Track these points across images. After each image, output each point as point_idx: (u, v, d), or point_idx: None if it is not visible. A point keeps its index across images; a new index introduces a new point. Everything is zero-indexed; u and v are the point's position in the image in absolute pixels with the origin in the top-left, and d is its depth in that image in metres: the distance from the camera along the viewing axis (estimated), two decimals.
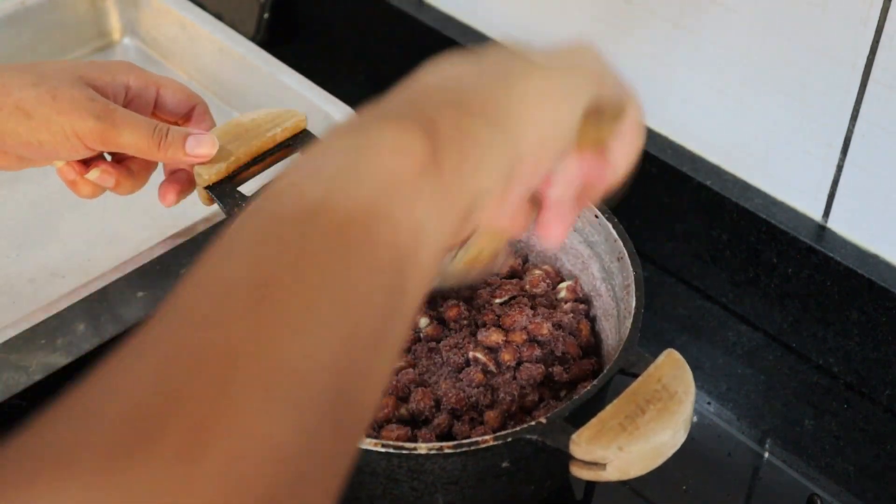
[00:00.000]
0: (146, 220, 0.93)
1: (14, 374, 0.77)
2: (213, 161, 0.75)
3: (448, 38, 1.02)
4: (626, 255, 0.71)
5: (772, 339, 0.90)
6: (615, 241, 0.72)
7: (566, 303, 0.76)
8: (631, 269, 0.70)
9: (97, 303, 0.78)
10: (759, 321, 0.90)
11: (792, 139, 0.84)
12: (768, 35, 0.81)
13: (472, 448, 0.61)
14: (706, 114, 0.89)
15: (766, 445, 0.83)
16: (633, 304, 0.68)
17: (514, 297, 0.75)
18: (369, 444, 0.61)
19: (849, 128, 0.80)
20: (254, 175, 0.78)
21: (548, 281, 0.77)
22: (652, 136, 0.92)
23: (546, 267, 0.79)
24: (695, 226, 0.91)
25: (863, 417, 0.84)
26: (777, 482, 0.80)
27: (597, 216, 0.74)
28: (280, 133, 0.78)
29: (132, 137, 0.71)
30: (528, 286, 0.76)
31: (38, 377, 0.78)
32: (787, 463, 0.81)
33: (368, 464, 0.63)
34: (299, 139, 0.79)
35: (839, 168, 0.82)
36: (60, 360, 0.79)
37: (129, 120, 0.71)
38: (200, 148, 0.73)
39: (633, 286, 0.69)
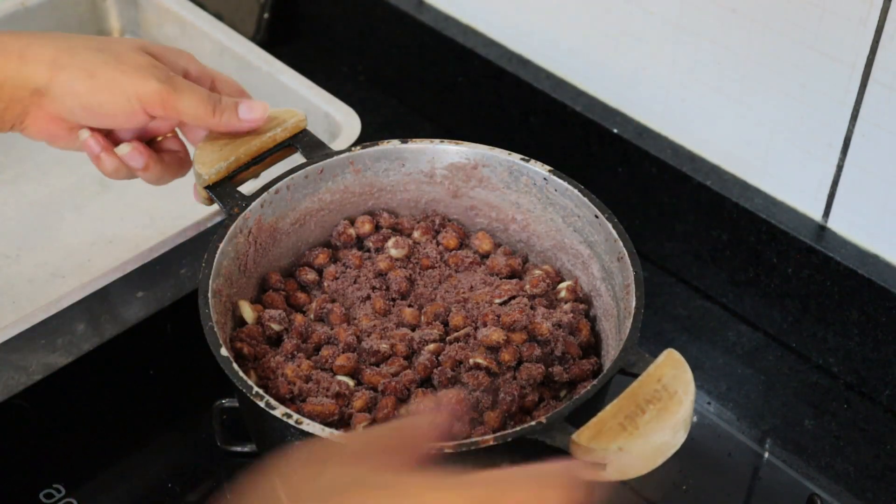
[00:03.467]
0: (146, 220, 0.93)
1: (14, 374, 0.77)
2: (211, 162, 0.75)
3: (448, 37, 1.02)
4: (626, 254, 0.71)
5: (772, 339, 0.90)
6: (615, 241, 0.72)
7: (566, 303, 0.76)
8: (631, 268, 0.70)
9: (97, 303, 0.78)
10: (759, 321, 0.90)
11: (792, 139, 0.84)
12: (768, 35, 0.81)
13: (473, 448, 0.60)
14: (706, 114, 0.89)
15: (766, 445, 0.83)
16: (633, 303, 0.68)
17: (513, 297, 0.75)
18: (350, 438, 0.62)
19: (849, 128, 0.80)
20: (254, 175, 0.78)
21: (547, 281, 0.77)
22: (652, 135, 0.93)
23: (546, 267, 0.79)
24: (695, 226, 0.91)
25: (863, 417, 0.84)
26: (777, 482, 0.80)
27: (597, 216, 0.74)
28: (280, 133, 0.78)
29: (190, 101, 0.73)
30: (528, 286, 0.76)
31: (38, 377, 0.79)
32: (787, 463, 0.81)
33: None
34: (299, 139, 0.79)
35: (839, 168, 0.82)
36: (60, 360, 0.79)
37: (187, 86, 0.73)
38: (252, 113, 0.75)
39: (633, 286, 0.69)
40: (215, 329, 0.66)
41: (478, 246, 0.80)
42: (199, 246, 0.81)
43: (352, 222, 0.80)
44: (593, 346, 0.75)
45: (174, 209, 0.91)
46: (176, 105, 0.72)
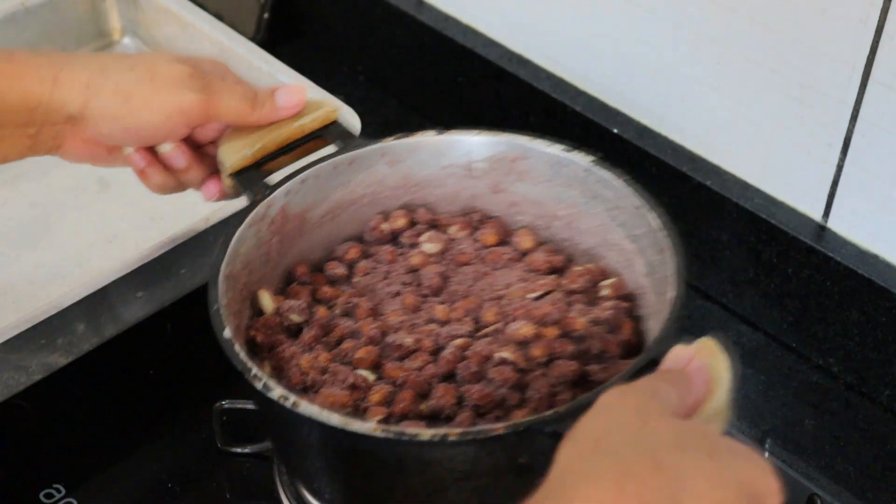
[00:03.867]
0: (146, 220, 0.93)
1: (14, 374, 0.77)
2: (236, 149, 0.73)
3: (448, 37, 1.02)
4: (670, 247, 0.67)
5: (772, 339, 0.90)
6: (658, 231, 0.68)
7: (608, 300, 0.71)
8: (673, 259, 0.66)
9: (97, 303, 0.78)
10: (759, 321, 0.90)
11: (792, 139, 0.84)
12: (768, 35, 0.81)
13: (480, 437, 0.57)
14: (706, 114, 0.89)
15: (766, 445, 0.83)
16: (672, 293, 0.64)
17: (549, 293, 0.72)
18: (369, 429, 0.58)
19: (849, 128, 0.80)
20: (282, 165, 0.75)
21: (587, 277, 0.73)
22: (652, 135, 0.93)
23: (589, 265, 0.74)
24: (695, 226, 0.91)
25: (863, 417, 0.84)
26: None
27: (637, 207, 0.70)
28: (309, 123, 0.75)
29: (230, 102, 0.72)
30: (565, 281, 0.72)
31: (38, 377, 0.79)
32: (787, 463, 0.81)
33: (375, 451, 0.61)
34: (330, 130, 0.76)
35: (839, 168, 0.82)
36: (60, 360, 0.79)
37: (224, 87, 0.73)
38: (291, 98, 0.75)
39: (672, 276, 0.65)
40: (221, 312, 0.64)
41: (518, 243, 0.76)
42: (199, 246, 0.81)
43: (386, 217, 0.78)
44: (636, 347, 0.70)
45: (174, 209, 0.91)
46: (216, 111, 0.72)
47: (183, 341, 0.76)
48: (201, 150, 0.76)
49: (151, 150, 0.74)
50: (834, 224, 0.85)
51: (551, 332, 0.69)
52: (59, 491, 0.77)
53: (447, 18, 1.04)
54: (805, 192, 0.85)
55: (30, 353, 0.77)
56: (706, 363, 0.58)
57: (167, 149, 0.74)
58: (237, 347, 0.62)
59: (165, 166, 0.75)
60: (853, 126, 0.79)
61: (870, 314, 0.82)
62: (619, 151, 0.93)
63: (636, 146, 0.92)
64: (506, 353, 0.67)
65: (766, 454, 0.82)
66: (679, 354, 0.57)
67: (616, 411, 0.50)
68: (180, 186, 0.76)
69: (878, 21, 0.74)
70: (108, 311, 0.80)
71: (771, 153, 0.86)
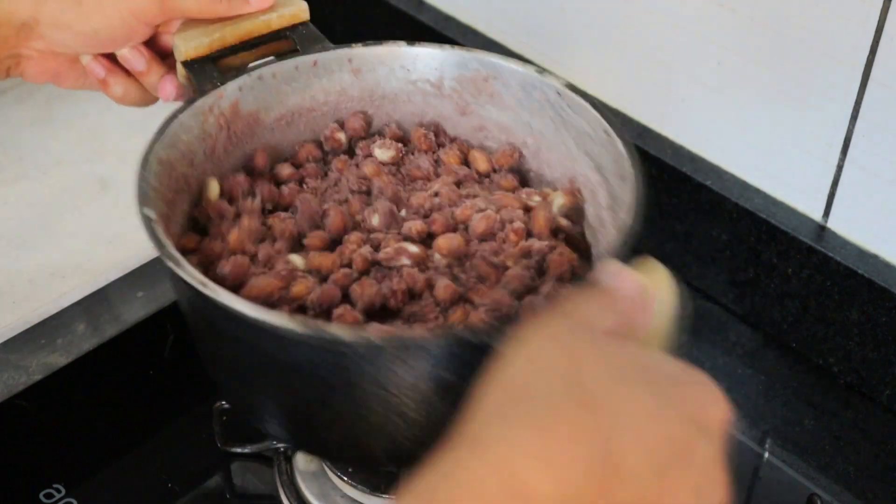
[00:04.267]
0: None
1: (14, 374, 0.77)
2: (193, 36, 0.68)
3: (448, 38, 1.02)
4: (633, 174, 0.63)
5: (772, 339, 0.90)
6: (623, 159, 0.64)
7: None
8: (634, 189, 0.62)
9: (97, 303, 0.78)
10: (759, 321, 0.90)
11: (792, 139, 0.84)
12: (768, 35, 0.81)
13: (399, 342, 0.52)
14: (706, 114, 0.89)
15: (766, 445, 0.83)
16: (628, 221, 0.61)
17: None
18: (267, 314, 0.52)
19: (849, 128, 0.80)
20: (242, 63, 0.70)
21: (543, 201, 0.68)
22: (652, 135, 0.93)
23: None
24: (695, 226, 0.91)
25: (863, 417, 0.84)
26: (777, 482, 0.80)
27: (606, 132, 0.66)
28: (275, 20, 0.70)
29: None
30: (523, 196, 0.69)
31: (38, 377, 0.79)
32: (787, 463, 0.81)
33: (283, 349, 0.55)
34: (297, 31, 0.71)
35: (839, 168, 0.82)
36: (60, 360, 0.79)
37: None
38: None
39: (633, 206, 0.61)
40: (147, 190, 0.59)
41: (475, 164, 0.72)
42: None
43: (342, 126, 0.73)
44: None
45: None
46: (175, 3, 0.66)
47: (183, 341, 0.76)
48: (169, 58, 0.71)
49: (111, 58, 0.70)
50: (834, 224, 0.85)
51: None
52: (59, 491, 0.77)
53: (447, 18, 1.04)
54: (805, 192, 0.85)
55: (30, 353, 0.77)
56: (643, 280, 0.51)
57: (123, 52, 0.69)
58: (157, 226, 0.58)
59: (128, 73, 0.71)
60: (853, 126, 0.79)
61: (870, 314, 0.82)
62: None
63: (636, 146, 0.92)
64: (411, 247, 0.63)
65: (767, 454, 0.82)
66: (613, 271, 0.51)
67: (542, 351, 0.45)
68: (146, 95, 0.72)
69: (878, 21, 0.74)
70: (108, 311, 0.80)
71: (771, 153, 0.86)
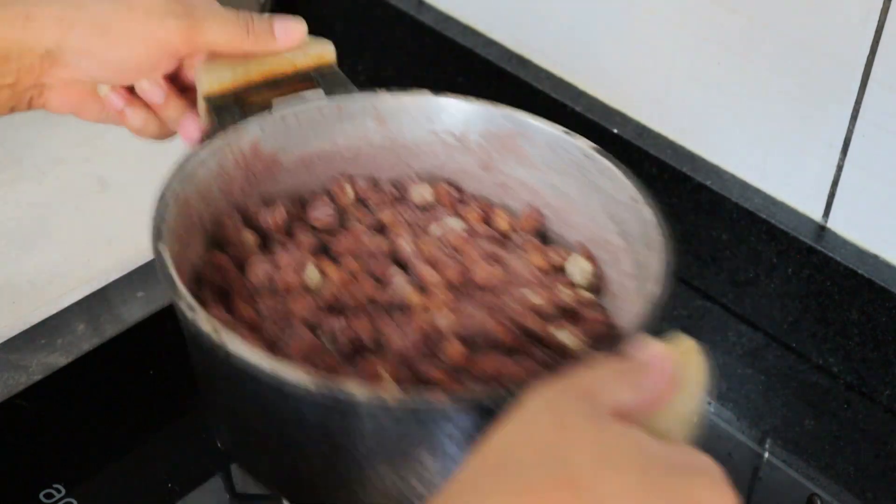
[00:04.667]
0: (146, 220, 0.93)
1: (14, 374, 0.77)
2: (216, 70, 0.67)
3: (448, 38, 1.02)
4: (661, 243, 0.61)
5: (772, 339, 0.90)
6: (651, 226, 0.62)
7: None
8: (663, 258, 0.60)
9: (97, 303, 0.78)
10: (759, 321, 0.90)
11: (792, 139, 0.84)
12: (768, 35, 0.81)
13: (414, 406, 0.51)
14: (706, 114, 0.89)
15: (766, 445, 0.83)
16: (658, 291, 0.58)
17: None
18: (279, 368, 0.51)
19: (849, 128, 0.80)
20: (265, 102, 0.68)
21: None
22: (652, 135, 0.93)
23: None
24: (695, 226, 0.91)
25: (863, 417, 0.84)
26: (777, 482, 0.80)
27: (634, 199, 0.65)
28: (301, 60, 0.68)
29: (218, 28, 0.66)
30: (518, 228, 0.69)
31: (38, 377, 0.79)
32: (787, 463, 0.81)
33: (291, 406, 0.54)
34: (322, 72, 0.69)
35: (839, 168, 0.82)
36: (60, 360, 0.79)
37: (210, 12, 0.66)
38: (290, 34, 0.68)
39: (661, 276, 0.59)
40: (162, 227, 0.59)
41: (496, 224, 0.70)
42: None
43: (350, 181, 0.71)
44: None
45: None
46: (202, 36, 0.65)
47: (183, 341, 0.76)
48: (189, 92, 0.70)
49: (130, 90, 0.69)
50: (834, 224, 0.85)
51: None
52: (59, 491, 0.77)
53: (447, 18, 1.04)
54: (805, 192, 0.85)
55: (30, 353, 0.77)
56: (674, 358, 0.48)
57: (143, 83, 0.68)
58: (169, 264, 0.57)
59: (146, 106, 0.70)
60: (853, 126, 0.79)
61: (870, 314, 0.82)
62: (619, 151, 0.92)
63: (636, 146, 0.92)
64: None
65: (767, 454, 0.82)
66: (644, 346, 0.48)
67: (533, 419, 0.43)
68: (165, 128, 0.71)
69: (878, 21, 0.74)
70: (108, 311, 0.80)
71: (771, 153, 0.86)
